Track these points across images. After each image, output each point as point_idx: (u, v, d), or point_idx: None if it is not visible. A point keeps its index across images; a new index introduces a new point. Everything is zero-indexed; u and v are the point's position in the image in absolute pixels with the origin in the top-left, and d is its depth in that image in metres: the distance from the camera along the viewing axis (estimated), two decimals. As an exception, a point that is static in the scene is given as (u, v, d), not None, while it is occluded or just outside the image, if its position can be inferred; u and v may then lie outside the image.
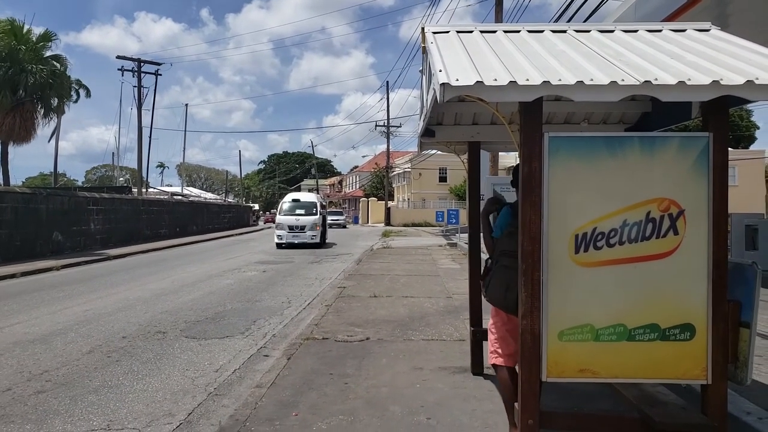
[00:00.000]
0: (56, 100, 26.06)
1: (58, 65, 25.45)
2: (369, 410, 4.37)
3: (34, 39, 24.83)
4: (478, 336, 5.18)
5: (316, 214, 23.57)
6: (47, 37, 25.44)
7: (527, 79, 2.85)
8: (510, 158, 35.21)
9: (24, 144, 24.92)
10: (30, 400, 4.79)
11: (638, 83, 2.76)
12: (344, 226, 47.41)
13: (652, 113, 4.58)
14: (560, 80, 2.84)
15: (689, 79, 2.76)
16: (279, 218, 23.48)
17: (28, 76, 23.52)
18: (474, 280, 5.25)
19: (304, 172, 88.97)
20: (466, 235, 5.86)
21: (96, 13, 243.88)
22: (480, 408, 4.41)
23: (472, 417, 4.23)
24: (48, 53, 25.42)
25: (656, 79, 2.77)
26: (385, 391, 4.82)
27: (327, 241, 26.18)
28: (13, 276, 13.13)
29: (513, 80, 2.83)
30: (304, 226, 22.95)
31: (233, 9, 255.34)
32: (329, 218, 39.33)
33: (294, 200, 24.70)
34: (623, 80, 2.78)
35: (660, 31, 3.83)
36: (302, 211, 23.55)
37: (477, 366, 5.24)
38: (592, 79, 2.81)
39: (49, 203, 18.11)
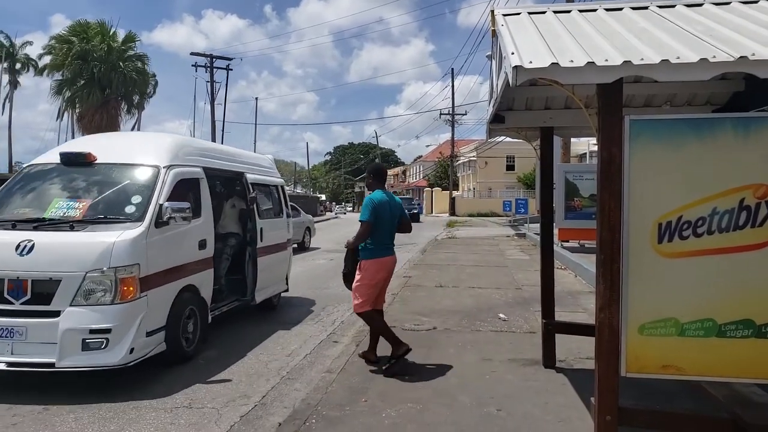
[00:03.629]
0: (138, 96, 27.58)
1: (140, 64, 26.90)
2: (438, 399, 4.35)
3: (119, 40, 26.35)
4: (551, 328, 5.03)
5: (139, 217, 5.04)
6: (131, 38, 26.98)
7: (606, 60, 2.72)
8: (582, 145, 34.00)
9: (109, 139, 26.58)
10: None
11: (732, 59, 2.55)
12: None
13: (745, 92, 4.26)
14: (642, 59, 2.68)
15: (792, 53, 2.52)
16: None
17: (115, 74, 24.99)
18: (546, 272, 5.10)
19: (368, 162, 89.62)
20: (536, 225, 5.70)
21: (168, 12, 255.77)
22: (553, 401, 4.29)
23: (545, 410, 4.12)
24: (130, 53, 26.94)
25: (753, 54, 2.56)
26: (453, 381, 4.78)
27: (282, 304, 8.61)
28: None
29: (591, 61, 2.70)
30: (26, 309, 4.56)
31: (293, 3, 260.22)
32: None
33: (67, 159, 5.53)
34: (714, 57, 2.59)
35: (756, 2, 3.54)
36: (62, 208, 5.13)
37: (549, 359, 5.10)
38: (678, 57, 2.64)
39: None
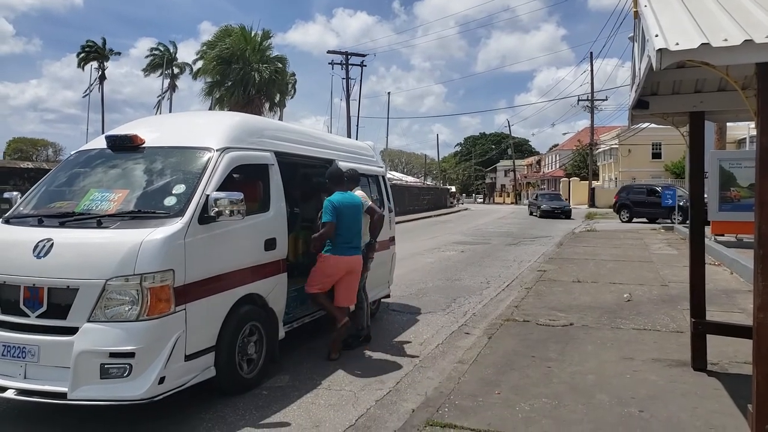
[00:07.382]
0: (278, 96, 29.62)
1: (279, 64, 28.85)
2: (573, 396, 4.25)
3: (258, 41, 28.48)
4: (701, 328, 4.66)
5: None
6: (266, 36, 28.94)
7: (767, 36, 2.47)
8: (741, 129, 30.37)
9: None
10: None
11: None
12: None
13: None
14: (815, 33, 2.40)
15: None
16: None
17: (256, 74, 27.08)
18: (696, 267, 4.73)
19: (500, 152, 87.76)
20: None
21: (302, 13, 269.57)
22: (703, 406, 3.99)
23: (693, 415, 3.84)
24: (270, 53, 28.98)
25: None
26: (591, 379, 4.62)
27: None
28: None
29: (748, 38, 2.48)
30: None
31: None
32: None
33: (112, 143, 4.84)
34: None
35: None
36: (96, 200, 4.35)
37: (699, 361, 4.72)
38: None
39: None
